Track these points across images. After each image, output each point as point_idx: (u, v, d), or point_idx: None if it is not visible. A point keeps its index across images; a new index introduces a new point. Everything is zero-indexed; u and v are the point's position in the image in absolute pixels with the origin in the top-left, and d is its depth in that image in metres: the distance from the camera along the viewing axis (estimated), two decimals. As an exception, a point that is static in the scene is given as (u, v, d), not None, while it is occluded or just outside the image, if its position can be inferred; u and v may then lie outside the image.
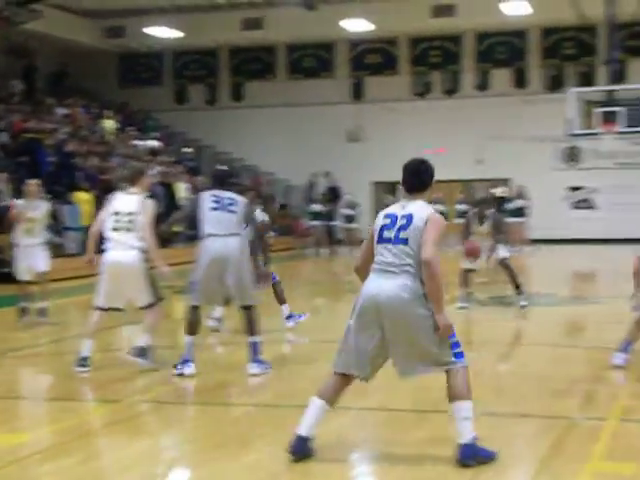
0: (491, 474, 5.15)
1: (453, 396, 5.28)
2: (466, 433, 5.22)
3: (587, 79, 28.17)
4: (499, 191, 28.06)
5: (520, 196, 26.07)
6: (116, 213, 8.22)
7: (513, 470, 5.31)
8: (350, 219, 27.56)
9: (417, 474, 5.21)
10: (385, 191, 30.36)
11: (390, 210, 5.48)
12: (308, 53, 31.74)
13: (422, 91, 30.66)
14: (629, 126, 22.87)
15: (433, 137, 29.41)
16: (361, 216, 27.46)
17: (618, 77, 25.90)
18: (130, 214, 8.16)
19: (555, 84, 28.74)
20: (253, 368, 8.00)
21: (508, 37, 29.46)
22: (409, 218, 5.31)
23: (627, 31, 26.70)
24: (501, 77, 29.67)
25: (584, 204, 28.91)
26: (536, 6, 26.02)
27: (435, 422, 6.45)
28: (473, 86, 30.09)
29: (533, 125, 28.28)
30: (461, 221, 26.71)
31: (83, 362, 8.15)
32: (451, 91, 30.35)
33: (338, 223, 28.77)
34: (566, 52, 28.98)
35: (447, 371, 5.30)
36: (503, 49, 29.67)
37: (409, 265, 5.23)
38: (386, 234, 5.34)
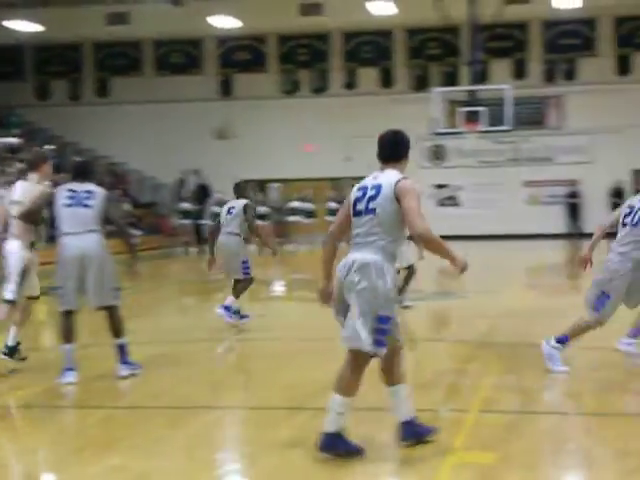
0: (357, 468, 5.18)
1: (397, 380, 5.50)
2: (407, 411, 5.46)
3: (451, 79, 28.87)
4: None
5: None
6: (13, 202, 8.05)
7: (375, 464, 5.34)
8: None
9: (280, 472, 5.19)
10: (255, 189, 30.34)
11: (362, 182, 5.43)
12: (175, 49, 31.39)
13: (291, 89, 30.74)
14: (491, 125, 23.55)
15: (302, 135, 29.56)
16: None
17: (480, 78, 26.65)
18: (18, 202, 7.98)
19: (420, 84, 29.33)
20: (122, 370, 7.79)
21: (375, 37, 29.88)
22: (378, 188, 5.26)
23: (489, 32, 27.50)
24: (368, 76, 30.04)
25: (449, 201, 29.62)
26: (401, 6, 26.48)
27: (302, 419, 6.44)
28: (341, 85, 30.36)
29: (400, 124, 28.01)
30: (331, 219, 27.32)
31: None
32: (319, 89, 30.55)
33: (207, 222, 28.54)
34: (431, 52, 29.62)
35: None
36: (370, 48, 30.06)
37: (376, 235, 5.17)
38: (358, 207, 5.29)
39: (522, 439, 5.84)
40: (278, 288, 17.71)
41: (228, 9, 27.56)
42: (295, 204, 26.89)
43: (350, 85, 30.26)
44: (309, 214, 27.17)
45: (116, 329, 7.83)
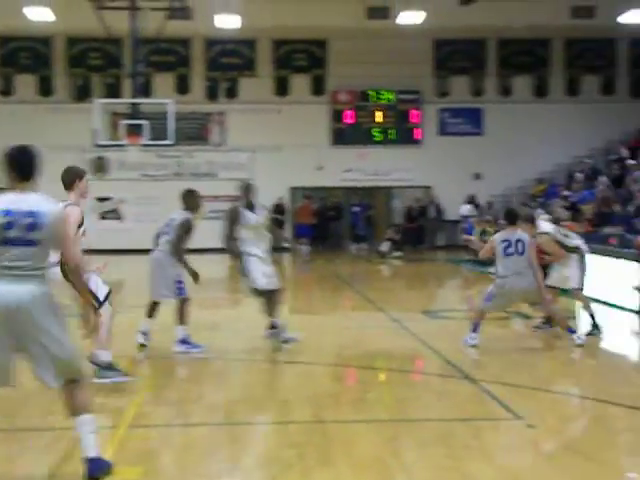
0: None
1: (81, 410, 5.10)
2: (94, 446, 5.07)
3: (113, 91, 28.48)
4: None
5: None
6: None
7: None
8: None
9: None
10: None
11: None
12: None
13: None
14: (154, 139, 23.52)
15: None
16: None
17: (143, 91, 26.56)
18: None
19: (82, 94, 28.64)
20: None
21: (33, 43, 28.74)
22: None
23: (152, 46, 27.50)
24: (26, 83, 28.81)
25: (112, 215, 29.19)
26: (60, 14, 25.64)
27: None
28: (-3, 91, 28.86)
29: (60, 134, 27.87)
30: None
31: None
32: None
33: None
34: (93, 62, 29.04)
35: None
36: (28, 55, 28.86)
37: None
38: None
39: (170, 451, 5.84)
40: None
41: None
42: None
43: (5, 92, 28.84)
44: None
45: None
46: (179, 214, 10.08)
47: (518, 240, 9.76)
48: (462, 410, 7.17)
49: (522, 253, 9.69)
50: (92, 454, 5.06)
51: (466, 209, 27.07)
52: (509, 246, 9.73)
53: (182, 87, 29.16)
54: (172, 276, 9.70)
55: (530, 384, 8.01)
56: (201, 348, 9.44)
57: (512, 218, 10.12)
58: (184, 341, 9.54)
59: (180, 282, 9.72)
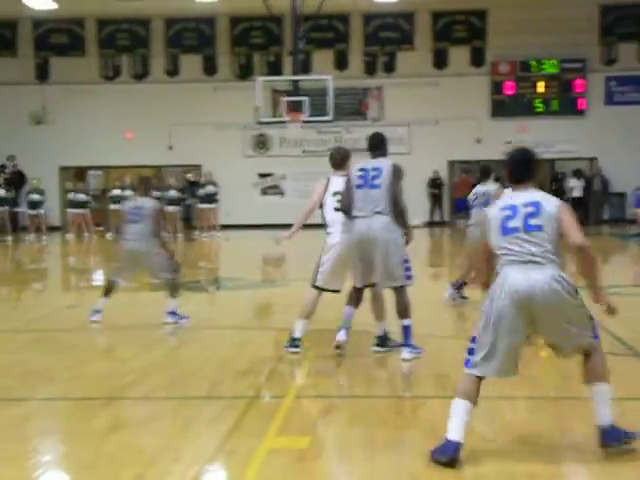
0: (170, 457, 5.13)
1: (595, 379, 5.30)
2: (608, 414, 5.23)
3: (275, 68, 28.96)
4: (190, 177, 28.28)
5: (210, 182, 26.40)
6: None
7: (189, 452, 5.29)
8: (35, 205, 26.37)
9: (94, 466, 5.07)
10: (73, 176, 29.48)
11: (504, 202, 5.30)
12: (-11, 30, 29.96)
13: (111, 74, 29.98)
14: (313, 115, 23.80)
15: (123, 122, 28.92)
16: (46, 202, 26.61)
17: (303, 67, 26.88)
18: None
19: (244, 72, 29.28)
20: None
21: (197, 23, 29.56)
22: (537, 205, 5.16)
23: (311, 23, 27.77)
24: (191, 63, 29.70)
25: (273, 190, 29.77)
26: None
27: (119, 408, 6.32)
28: (163, 71, 29.87)
29: (223, 112, 28.67)
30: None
31: None
32: (141, 75, 29.95)
33: (23, 209, 27.54)
34: (254, 41, 29.60)
35: None
36: (192, 35, 29.72)
37: (549, 252, 5.11)
38: (512, 224, 5.17)
39: (336, 423, 5.94)
40: (95, 277, 17.24)
41: (44, -10, 26.53)
42: (116, 192, 26.25)
43: (172, 72, 29.82)
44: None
45: None
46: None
47: None
48: (633, 389, 6.95)
49: None
50: (606, 422, 5.22)
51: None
52: None
53: (341, 63, 29.33)
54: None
55: None
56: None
57: None
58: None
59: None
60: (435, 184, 29.09)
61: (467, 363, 5.34)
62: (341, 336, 8.01)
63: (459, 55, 29.13)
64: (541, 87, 28.87)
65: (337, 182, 8.19)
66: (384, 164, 7.81)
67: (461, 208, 28.88)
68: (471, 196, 11.72)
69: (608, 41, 28.57)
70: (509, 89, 29.03)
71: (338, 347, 7.94)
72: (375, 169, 7.76)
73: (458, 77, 28.74)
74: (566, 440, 5.58)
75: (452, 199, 29.34)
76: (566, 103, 28.75)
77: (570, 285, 5.17)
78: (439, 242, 25.89)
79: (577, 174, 28.43)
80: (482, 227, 5.52)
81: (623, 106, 28.39)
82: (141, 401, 6.63)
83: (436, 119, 28.81)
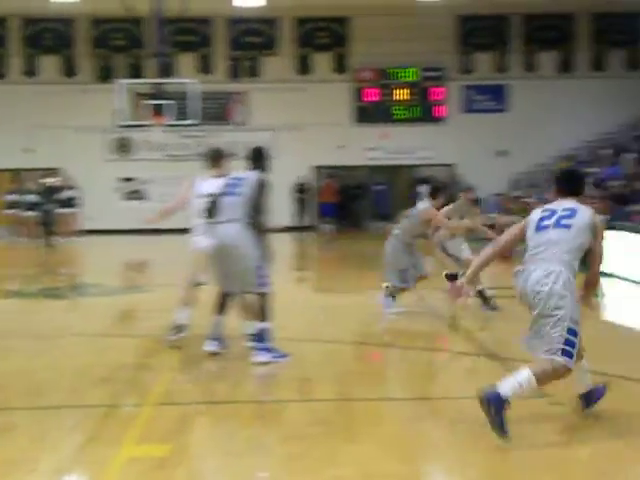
0: (26, 468, 4.98)
1: None
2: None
3: (136, 71, 28.53)
4: (49, 181, 27.52)
5: (70, 186, 25.78)
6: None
7: (46, 463, 5.14)
8: None
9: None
10: None
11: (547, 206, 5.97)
12: None
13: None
14: (177, 119, 23.57)
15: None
16: None
17: (166, 71, 26.57)
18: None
19: (105, 74, 28.72)
20: None
21: (56, 24, 28.79)
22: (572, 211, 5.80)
23: (175, 26, 27.51)
24: (50, 64, 28.91)
25: (135, 195, 29.31)
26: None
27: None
28: (21, 72, 28.98)
29: (84, 115, 28.05)
30: (11, 212, 26.09)
31: None
32: (-2, 76, 28.99)
33: None
34: (115, 43, 29.10)
35: None
36: (51, 36, 28.93)
37: (568, 252, 5.64)
38: (545, 222, 5.78)
39: (198, 429, 5.90)
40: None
41: None
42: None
43: (30, 73, 28.95)
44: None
45: None
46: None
47: None
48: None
49: None
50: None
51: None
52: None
53: (204, 67, 29.17)
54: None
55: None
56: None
57: None
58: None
59: None
60: (301, 189, 29.29)
61: (569, 355, 5.55)
62: (210, 346, 8.11)
63: (322, 61, 29.45)
64: (402, 94, 29.49)
65: (207, 184, 8.34)
66: (251, 176, 8.00)
67: (327, 213, 29.25)
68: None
69: (465, 50, 29.47)
70: (371, 96, 29.54)
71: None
72: (241, 179, 7.94)
73: (322, 83, 29.05)
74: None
75: (318, 204, 29.61)
76: (426, 110, 29.47)
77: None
78: (304, 246, 26.07)
79: (425, 181, 29.10)
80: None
81: (480, 114, 29.33)
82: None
83: (301, 124, 29.01)
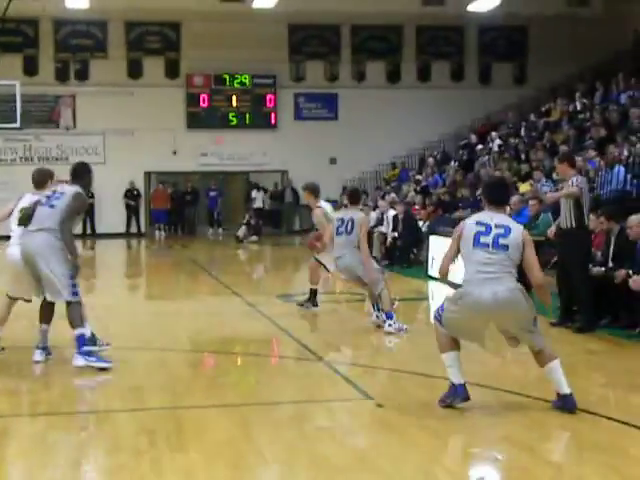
0: None
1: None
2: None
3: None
4: None
5: None
6: None
7: None
8: None
9: None
10: None
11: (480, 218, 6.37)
12: None
13: None
14: (1, 122, 22.74)
15: None
16: None
17: None
18: None
19: None
20: None
21: None
22: (506, 228, 6.27)
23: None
24: None
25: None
26: None
27: None
28: None
29: None
30: None
31: None
32: None
33: None
34: None
35: None
36: None
37: (509, 269, 6.20)
38: (482, 239, 6.19)
39: (12, 445, 5.69)
40: None
41: None
42: None
43: None
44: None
45: None
46: None
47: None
48: (315, 392, 7.26)
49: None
50: (568, 390, 6.25)
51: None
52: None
53: (30, 69, 28.20)
54: None
55: (381, 365, 8.19)
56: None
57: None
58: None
59: None
60: (131, 195, 28.76)
61: None
62: (38, 356, 8.08)
63: (154, 66, 29.04)
64: (235, 101, 29.48)
65: (27, 199, 8.44)
66: (67, 189, 8.07)
67: (159, 219, 28.85)
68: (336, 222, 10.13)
69: (296, 59, 29.80)
70: (204, 101, 29.38)
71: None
72: (61, 193, 8.03)
73: (153, 88, 28.62)
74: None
75: (149, 210, 29.19)
76: (259, 117, 29.57)
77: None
78: (136, 253, 25.64)
79: (257, 187, 29.32)
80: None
81: (311, 121, 29.71)
82: None
83: (132, 129, 28.49)
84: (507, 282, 6.16)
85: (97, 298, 12.78)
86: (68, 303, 7.82)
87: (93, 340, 8.13)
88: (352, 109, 29.44)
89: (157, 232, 28.34)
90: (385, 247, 18.27)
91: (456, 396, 6.32)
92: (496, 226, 6.24)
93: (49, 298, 7.94)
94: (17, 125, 22.60)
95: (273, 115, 29.69)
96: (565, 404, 6.24)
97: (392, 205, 19.18)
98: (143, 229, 29.12)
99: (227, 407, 6.70)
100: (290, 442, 5.68)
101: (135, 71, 29.04)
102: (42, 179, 8.68)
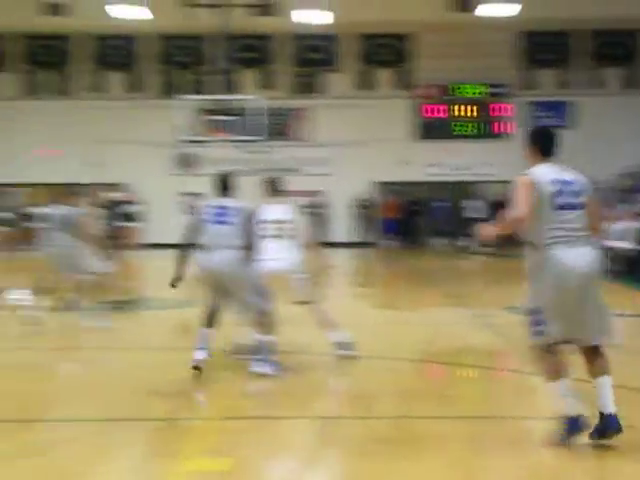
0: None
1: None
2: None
3: (199, 87, 28.86)
4: (114, 195, 27.92)
5: (134, 200, 26.13)
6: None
7: (104, 477, 5.20)
8: None
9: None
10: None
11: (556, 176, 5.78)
12: None
13: (33, 90, 29.54)
14: (238, 135, 23.75)
15: (46, 138, 28.50)
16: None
17: (228, 87, 26.85)
18: None
19: (169, 90, 29.10)
20: None
21: (122, 41, 29.33)
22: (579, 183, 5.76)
23: (237, 43, 27.77)
24: (117, 80, 29.44)
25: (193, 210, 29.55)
26: (154, 12, 26.05)
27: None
28: (87, 88, 29.54)
29: (149, 130, 28.47)
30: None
31: None
32: (63, 92, 29.56)
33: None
34: (179, 59, 29.50)
35: None
36: (118, 52, 29.47)
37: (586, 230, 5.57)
38: (561, 200, 5.60)
39: (258, 444, 5.91)
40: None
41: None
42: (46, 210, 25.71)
43: (97, 88, 29.50)
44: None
45: None
46: None
47: None
48: (543, 408, 7.07)
49: None
50: (611, 410, 5.59)
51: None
52: None
53: (267, 83, 29.37)
54: None
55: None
56: None
57: None
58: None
59: None
60: (364, 205, 29.32)
61: None
62: (199, 355, 8.11)
63: (384, 78, 29.46)
64: (464, 111, 29.33)
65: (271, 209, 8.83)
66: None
67: (389, 229, 29.20)
68: None
69: (530, 67, 29.21)
70: (434, 112, 29.43)
71: (196, 368, 8.02)
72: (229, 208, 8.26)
73: (383, 99, 29.03)
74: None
75: (379, 220, 29.58)
76: (487, 126, 29.26)
77: None
78: (366, 262, 26.03)
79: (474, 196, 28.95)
80: None
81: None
82: (52, 424, 6.50)
83: (363, 140, 29.02)
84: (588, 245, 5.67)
85: (329, 306, 13.05)
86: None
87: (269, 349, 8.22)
88: (588, 117, 28.49)
89: (387, 242, 28.66)
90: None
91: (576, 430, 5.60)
92: (566, 182, 5.86)
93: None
94: (256, 138, 23.55)
95: (504, 124, 29.25)
96: None
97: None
98: (373, 238, 29.55)
99: (459, 419, 6.65)
100: (518, 461, 5.55)
101: (366, 83, 29.55)
102: (275, 186, 9.14)
